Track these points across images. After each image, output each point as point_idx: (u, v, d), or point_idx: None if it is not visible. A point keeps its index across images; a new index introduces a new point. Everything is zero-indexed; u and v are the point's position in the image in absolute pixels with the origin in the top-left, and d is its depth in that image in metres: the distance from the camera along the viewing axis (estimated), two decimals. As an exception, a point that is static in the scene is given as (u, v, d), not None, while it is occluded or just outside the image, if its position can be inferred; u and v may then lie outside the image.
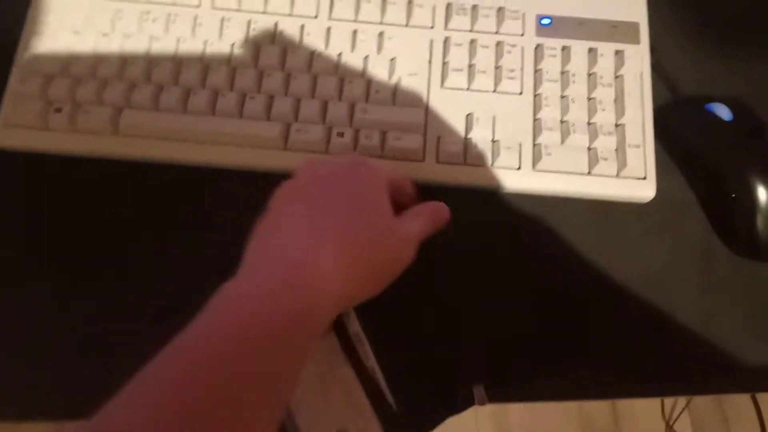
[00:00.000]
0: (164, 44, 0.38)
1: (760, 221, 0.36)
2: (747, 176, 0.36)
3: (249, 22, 0.39)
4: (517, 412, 1.03)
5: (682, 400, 1.02)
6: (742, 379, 0.36)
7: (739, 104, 0.39)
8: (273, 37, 0.39)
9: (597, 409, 1.04)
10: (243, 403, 0.22)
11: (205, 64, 0.38)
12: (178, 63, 0.38)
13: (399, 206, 0.31)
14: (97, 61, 0.38)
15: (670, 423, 1.01)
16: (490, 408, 1.02)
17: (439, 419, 0.32)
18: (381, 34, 0.40)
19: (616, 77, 0.39)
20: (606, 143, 0.38)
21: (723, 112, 0.38)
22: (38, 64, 0.38)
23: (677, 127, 0.40)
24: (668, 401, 1.02)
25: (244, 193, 0.35)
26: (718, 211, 0.38)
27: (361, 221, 0.28)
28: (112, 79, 0.37)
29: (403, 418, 0.31)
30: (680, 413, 1.01)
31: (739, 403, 1.04)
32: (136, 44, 0.38)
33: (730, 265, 0.38)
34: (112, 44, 0.38)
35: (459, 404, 0.33)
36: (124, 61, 0.38)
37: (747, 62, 0.42)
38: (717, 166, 0.38)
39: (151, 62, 0.38)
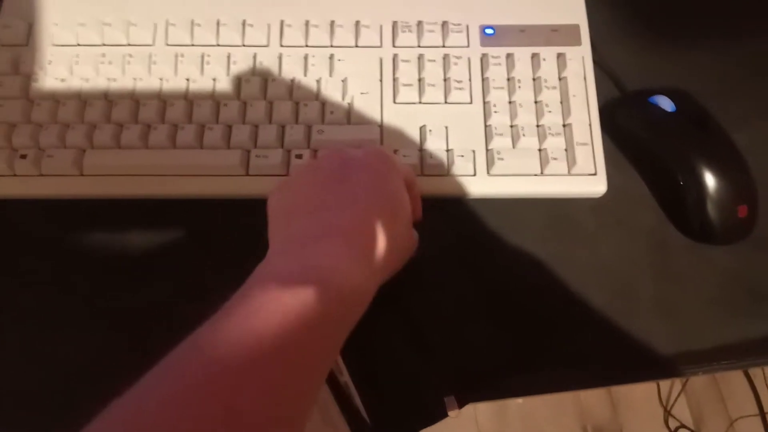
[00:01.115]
0: (122, 84, 0.40)
1: (709, 206, 0.38)
2: (693, 163, 0.38)
3: (203, 56, 0.41)
4: (515, 405, 1.04)
5: (678, 385, 1.04)
6: (704, 359, 0.37)
7: (681, 94, 0.41)
8: (227, 68, 0.40)
9: (594, 400, 1.05)
10: (288, 389, 0.23)
11: (162, 99, 0.39)
12: (136, 101, 0.39)
13: None
14: (57, 105, 0.39)
15: (668, 408, 1.02)
16: (489, 407, 1.03)
17: None
18: (331, 57, 0.41)
19: (560, 79, 0.41)
20: (555, 143, 0.39)
21: (665, 103, 0.40)
22: (0, 114, 0.39)
23: (623, 121, 0.41)
24: (664, 387, 1.04)
25: (209, 221, 0.36)
26: (670, 200, 0.40)
27: (390, 209, 0.29)
28: (74, 122, 0.38)
29: None
30: (677, 397, 1.03)
31: (734, 381, 1.06)
32: (94, 86, 0.40)
33: (685, 252, 0.39)
34: (71, 88, 0.40)
35: (432, 415, 0.34)
36: (84, 103, 0.39)
37: (685, 52, 0.44)
38: (664, 157, 0.39)
39: (110, 102, 0.39)
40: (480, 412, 1.03)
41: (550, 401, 1.04)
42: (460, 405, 0.33)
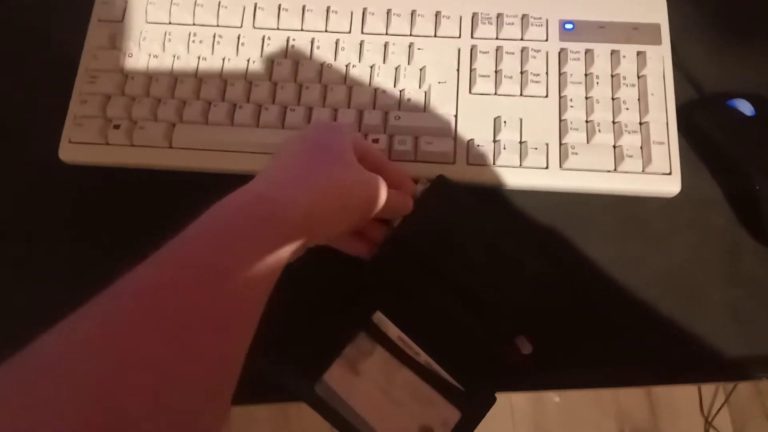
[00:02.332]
0: (211, 63, 0.42)
1: (785, 212, 0.37)
2: (771, 169, 0.38)
3: (288, 40, 0.42)
4: (553, 408, 1.04)
5: (721, 396, 1.02)
6: (771, 365, 0.37)
7: (761, 99, 0.40)
8: (310, 52, 0.42)
9: (634, 404, 1.04)
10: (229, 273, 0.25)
11: (248, 80, 0.41)
12: (224, 80, 0.41)
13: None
14: (150, 80, 0.41)
15: (710, 419, 1.01)
16: (526, 405, 1.03)
17: (500, 385, 0.34)
18: (411, 46, 0.42)
19: (639, 77, 0.41)
20: (631, 141, 0.40)
21: (745, 107, 0.40)
22: (96, 86, 0.41)
23: (701, 123, 0.41)
24: (707, 397, 1.02)
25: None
26: (744, 204, 0.39)
27: (322, 158, 0.32)
28: (165, 97, 0.40)
29: (472, 394, 0.33)
30: (720, 408, 1.01)
31: (781, 397, 1.03)
32: (186, 64, 0.42)
33: (757, 257, 0.39)
34: (164, 65, 0.42)
35: (513, 363, 0.35)
36: (175, 79, 0.41)
37: (767, 58, 0.43)
38: (741, 161, 0.39)
39: (199, 80, 0.41)
40: (516, 409, 1.03)
41: (589, 403, 1.04)
42: (526, 387, 0.34)
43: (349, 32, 0.43)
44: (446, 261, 0.36)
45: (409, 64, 0.42)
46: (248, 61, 0.42)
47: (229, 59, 0.42)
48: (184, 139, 0.40)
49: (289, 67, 0.41)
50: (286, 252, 0.28)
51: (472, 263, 0.36)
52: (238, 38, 0.42)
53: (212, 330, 0.24)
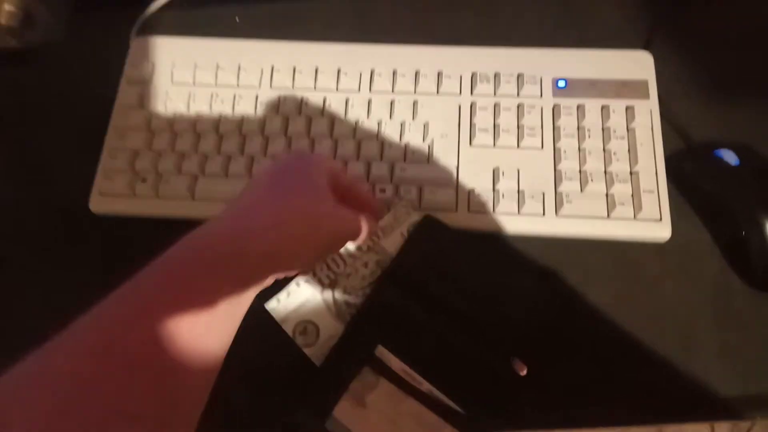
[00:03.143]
0: (231, 120, 0.45)
1: (772, 256, 0.39)
2: (755, 216, 0.40)
3: (302, 99, 0.46)
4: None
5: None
6: (766, 404, 0.38)
7: (745, 149, 0.43)
8: (322, 110, 0.45)
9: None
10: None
11: (265, 135, 0.45)
12: (243, 136, 0.44)
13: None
14: (175, 137, 0.45)
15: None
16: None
17: (500, 409, 0.36)
18: (415, 103, 0.46)
19: (628, 130, 0.44)
20: (622, 189, 0.42)
21: (730, 157, 0.42)
22: (125, 142, 0.45)
23: (689, 172, 0.43)
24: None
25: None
26: (733, 249, 0.41)
27: (292, 188, 0.32)
28: (189, 152, 0.44)
29: (475, 418, 0.35)
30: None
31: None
32: (208, 121, 0.45)
33: (747, 300, 0.40)
34: (188, 122, 0.45)
35: (510, 386, 0.37)
36: (198, 136, 0.45)
37: (750, 106, 0.46)
38: (727, 208, 0.41)
39: (220, 136, 0.44)
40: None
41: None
42: (519, 426, 0.36)
43: (359, 91, 0.46)
44: (441, 292, 0.38)
45: (413, 119, 0.45)
46: (265, 118, 0.45)
47: (247, 116, 0.45)
48: (206, 191, 0.43)
49: (303, 123, 0.45)
50: (247, 296, 0.28)
51: (465, 293, 0.38)
52: (256, 97, 0.46)
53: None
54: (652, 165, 0.43)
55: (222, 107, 0.46)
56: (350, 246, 0.40)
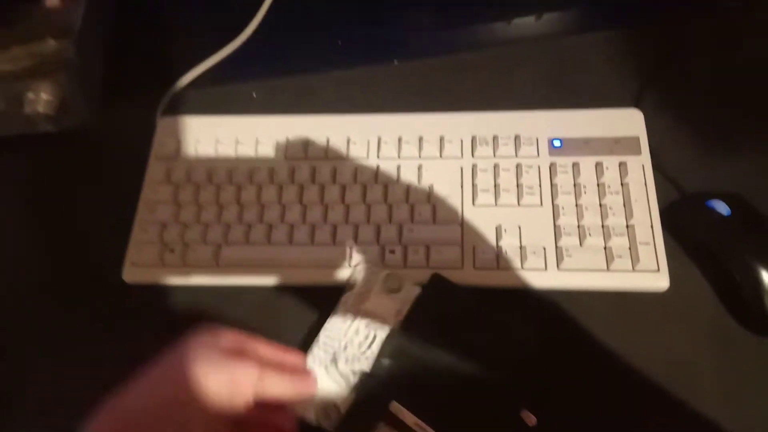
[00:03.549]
0: (250, 191, 0.49)
1: (766, 301, 0.41)
2: (747, 263, 0.42)
3: (314, 168, 0.49)
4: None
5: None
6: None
7: (736, 198, 0.45)
8: (334, 177, 0.49)
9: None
10: None
11: (282, 204, 0.48)
12: (261, 205, 0.48)
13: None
14: (200, 209, 0.48)
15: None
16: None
17: None
18: (420, 167, 0.49)
19: (623, 185, 0.46)
20: (619, 243, 0.44)
21: (721, 207, 0.44)
22: (155, 215, 0.49)
23: (683, 223, 0.46)
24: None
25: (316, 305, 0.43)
26: (729, 295, 0.43)
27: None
28: (212, 223, 0.48)
29: None
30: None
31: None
32: (229, 193, 0.49)
33: (745, 343, 0.42)
34: (211, 194, 0.49)
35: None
36: (221, 207, 0.48)
37: (740, 159, 0.48)
38: (720, 257, 0.43)
39: (241, 206, 0.48)
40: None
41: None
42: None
43: (367, 158, 0.50)
44: (450, 347, 0.40)
45: (419, 182, 0.48)
46: (281, 187, 0.49)
47: (265, 187, 0.49)
48: (230, 259, 0.46)
49: (316, 191, 0.48)
50: None
51: (473, 347, 0.40)
52: (272, 169, 0.49)
53: None
54: (647, 217, 0.45)
55: (241, 179, 0.49)
56: (336, 321, 0.42)
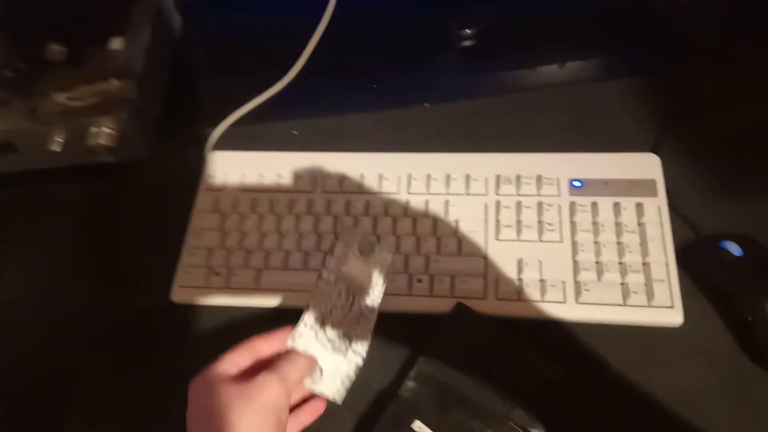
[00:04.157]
0: (288, 221, 0.53)
1: (779, 340, 0.43)
2: (759, 303, 0.44)
3: (348, 201, 0.53)
4: None
5: None
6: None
7: (748, 240, 0.47)
8: (366, 210, 0.53)
9: None
10: None
11: (318, 233, 0.52)
12: (299, 234, 0.52)
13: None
14: (243, 236, 0.53)
15: None
16: None
17: None
18: (447, 202, 0.52)
19: (639, 225, 0.49)
20: (635, 279, 0.47)
21: (734, 248, 0.47)
22: (202, 241, 0.53)
23: (697, 263, 0.48)
24: None
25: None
26: (742, 333, 0.45)
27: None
28: (254, 249, 0.52)
29: None
30: None
31: None
32: (270, 222, 0.53)
33: (759, 380, 0.44)
34: (253, 223, 0.53)
35: None
36: (262, 235, 0.52)
37: (753, 202, 0.51)
38: (733, 297, 0.45)
39: (281, 235, 0.52)
40: None
41: None
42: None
43: (398, 193, 0.53)
44: (472, 373, 0.43)
45: (445, 217, 0.52)
46: (318, 218, 0.53)
47: (303, 217, 0.53)
48: (269, 283, 0.50)
49: (350, 222, 0.52)
50: None
51: (493, 375, 0.43)
52: (310, 201, 0.54)
53: None
54: (662, 256, 0.47)
55: (282, 209, 0.53)
56: (322, 285, 0.43)
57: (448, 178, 0.53)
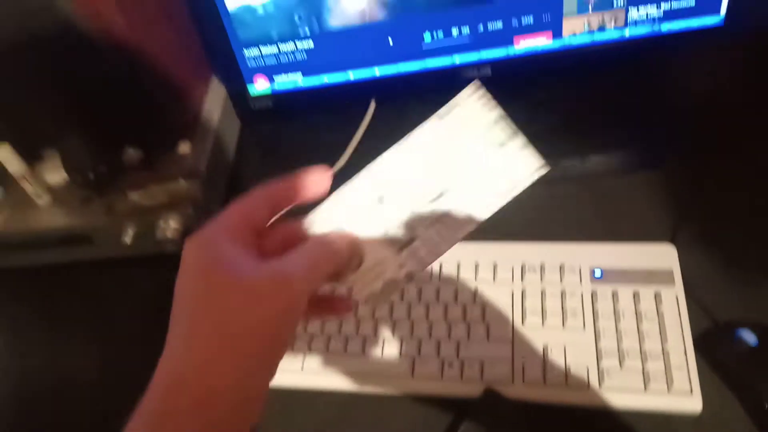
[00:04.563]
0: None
1: (798, 429, 0.45)
2: (776, 392, 0.46)
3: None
4: None
5: None
6: None
7: (764, 329, 0.49)
8: (402, 296, 0.57)
9: None
10: None
11: (358, 318, 0.57)
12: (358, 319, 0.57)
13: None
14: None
15: None
16: None
17: None
18: (475, 290, 0.57)
19: (658, 313, 0.52)
20: (655, 366, 0.49)
21: (749, 337, 0.49)
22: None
23: (714, 351, 0.50)
24: None
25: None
26: (761, 420, 0.47)
27: (215, 299, 0.27)
28: (317, 333, 0.57)
29: None
30: None
31: None
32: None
33: (781, 468, 0.45)
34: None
35: None
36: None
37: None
38: (750, 384, 0.47)
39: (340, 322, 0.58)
40: None
41: None
42: None
43: (429, 281, 0.58)
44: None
45: (474, 303, 0.56)
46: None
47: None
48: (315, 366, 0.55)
49: (386, 309, 0.57)
50: None
51: None
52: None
53: None
54: (680, 343, 0.50)
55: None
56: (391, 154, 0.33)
57: (476, 266, 0.58)
